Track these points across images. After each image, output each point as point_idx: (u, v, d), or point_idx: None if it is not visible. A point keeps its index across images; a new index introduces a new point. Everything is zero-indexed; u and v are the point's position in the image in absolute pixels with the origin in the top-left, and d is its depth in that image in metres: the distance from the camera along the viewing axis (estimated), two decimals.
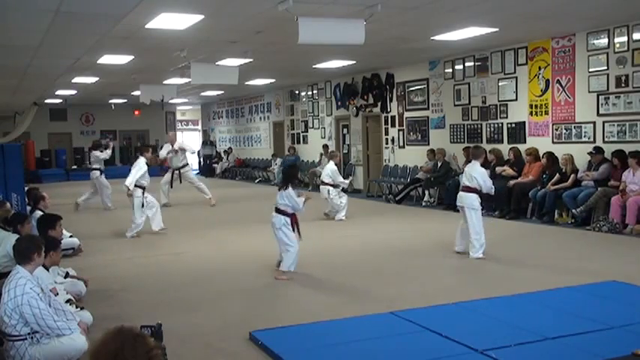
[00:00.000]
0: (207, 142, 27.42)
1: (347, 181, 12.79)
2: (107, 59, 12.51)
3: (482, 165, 8.39)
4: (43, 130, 26.18)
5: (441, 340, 4.79)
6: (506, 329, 5.00)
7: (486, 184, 8.17)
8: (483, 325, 5.14)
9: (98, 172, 14.61)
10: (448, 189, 13.02)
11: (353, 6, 8.11)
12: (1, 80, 13.52)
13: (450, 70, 13.95)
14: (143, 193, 10.40)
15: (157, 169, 26.02)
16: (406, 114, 15.54)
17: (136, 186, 10.33)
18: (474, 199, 8.08)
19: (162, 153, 15.22)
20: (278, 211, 7.34)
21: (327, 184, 12.06)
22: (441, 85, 14.29)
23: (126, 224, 12.02)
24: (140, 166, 10.45)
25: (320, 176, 14.18)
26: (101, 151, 15.02)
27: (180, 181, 14.53)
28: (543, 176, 11.23)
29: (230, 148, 25.94)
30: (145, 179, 10.47)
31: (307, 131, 20.23)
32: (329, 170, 12.12)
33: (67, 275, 6.54)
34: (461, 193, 8.22)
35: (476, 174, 8.08)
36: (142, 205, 10.38)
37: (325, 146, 18.44)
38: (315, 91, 19.58)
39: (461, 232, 8.30)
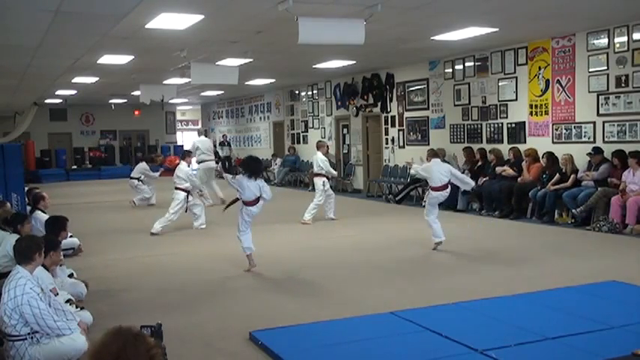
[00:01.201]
0: (225, 142, 24.61)
1: (335, 172, 12.76)
2: (107, 59, 12.51)
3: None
4: (43, 130, 26.19)
5: (441, 340, 4.79)
6: (506, 329, 5.00)
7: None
8: (483, 325, 5.15)
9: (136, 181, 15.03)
10: None
11: (353, 6, 8.11)
12: (1, 80, 13.52)
13: (450, 70, 13.95)
14: (187, 196, 10.97)
15: (155, 168, 26.02)
16: (406, 114, 15.54)
17: (177, 188, 11.00)
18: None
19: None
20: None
21: (319, 174, 11.99)
22: (441, 85, 14.29)
23: (126, 225, 12.05)
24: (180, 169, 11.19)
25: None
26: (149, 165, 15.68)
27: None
28: (543, 176, 11.24)
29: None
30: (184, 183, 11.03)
31: (307, 131, 20.23)
32: (319, 161, 12.06)
33: (71, 276, 6.55)
34: (443, 193, 8.76)
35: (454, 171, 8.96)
36: (185, 209, 10.95)
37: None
38: (315, 91, 19.58)
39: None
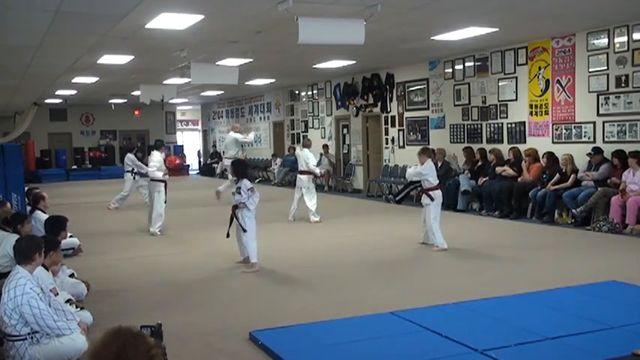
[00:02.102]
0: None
1: (318, 171, 12.81)
2: (107, 59, 12.51)
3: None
4: (43, 130, 26.18)
5: (441, 340, 4.79)
6: (506, 329, 5.00)
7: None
8: (483, 325, 5.14)
9: (129, 174, 14.92)
10: (448, 189, 13.01)
11: (353, 6, 8.11)
12: (1, 80, 13.51)
13: (450, 70, 13.95)
14: (165, 188, 10.77)
15: None
16: (406, 114, 15.54)
17: (153, 180, 10.82)
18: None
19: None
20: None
21: (305, 172, 11.94)
22: (441, 85, 14.29)
23: (126, 225, 12.05)
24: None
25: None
26: (136, 155, 15.41)
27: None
28: (543, 176, 11.24)
29: None
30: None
31: (307, 131, 20.22)
32: (309, 157, 12.02)
33: (72, 276, 6.54)
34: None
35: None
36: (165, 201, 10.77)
37: (325, 146, 18.45)
38: (315, 91, 19.58)
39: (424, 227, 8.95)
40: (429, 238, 8.82)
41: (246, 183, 7.67)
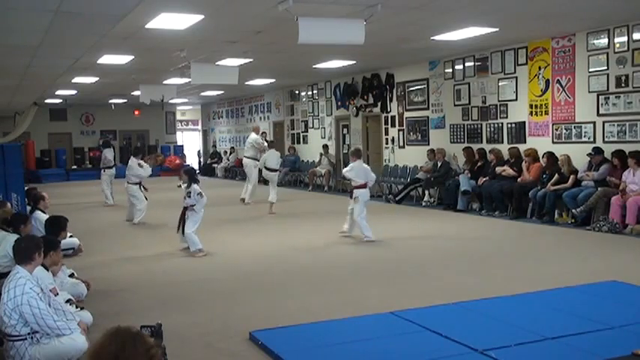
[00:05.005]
0: None
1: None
2: (107, 59, 12.51)
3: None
4: (43, 130, 26.19)
5: (441, 340, 4.79)
6: (506, 329, 5.00)
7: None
8: (483, 325, 5.15)
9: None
10: (448, 189, 13.02)
11: (353, 6, 8.12)
12: (1, 80, 13.51)
13: (450, 70, 13.95)
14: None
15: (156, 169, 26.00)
16: (406, 114, 15.54)
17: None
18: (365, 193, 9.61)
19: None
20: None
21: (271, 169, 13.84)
22: (441, 85, 14.29)
23: (126, 225, 12.06)
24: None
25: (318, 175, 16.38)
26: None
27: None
28: (543, 176, 11.24)
29: (233, 147, 25.96)
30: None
31: (307, 131, 20.23)
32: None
33: (71, 276, 6.54)
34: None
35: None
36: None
37: (325, 146, 18.45)
38: (315, 91, 19.58)
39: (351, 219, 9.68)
40: (353, 230, 9.59)
41: (195, 188, 8.63)
